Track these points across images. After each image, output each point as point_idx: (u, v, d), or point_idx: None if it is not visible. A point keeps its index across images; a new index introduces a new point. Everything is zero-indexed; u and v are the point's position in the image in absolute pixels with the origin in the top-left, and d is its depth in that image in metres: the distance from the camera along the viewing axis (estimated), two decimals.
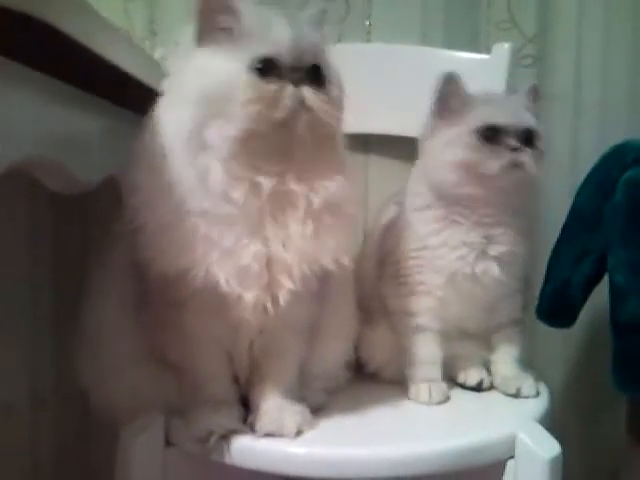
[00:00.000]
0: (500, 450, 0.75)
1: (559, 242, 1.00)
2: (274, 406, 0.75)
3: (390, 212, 0.98)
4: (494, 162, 0.84)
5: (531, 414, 0.81)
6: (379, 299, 0.94)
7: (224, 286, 0.68)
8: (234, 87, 0.67)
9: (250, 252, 0.69)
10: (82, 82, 0.72)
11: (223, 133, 0.67)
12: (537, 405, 0.85)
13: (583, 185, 0.99)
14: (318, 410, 0.79)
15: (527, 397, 0.87)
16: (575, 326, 1.00)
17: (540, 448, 0.73)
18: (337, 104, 0.72)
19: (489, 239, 0.87)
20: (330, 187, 0.72)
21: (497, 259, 0.87)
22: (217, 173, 0.68)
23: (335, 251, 0.72)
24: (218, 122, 0.67)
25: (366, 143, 1.20)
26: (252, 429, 0.74)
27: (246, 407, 0.78)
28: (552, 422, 0.83)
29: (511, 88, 1.06)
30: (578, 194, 0.99)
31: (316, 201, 0.70)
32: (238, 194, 0.68)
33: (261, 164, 0.69)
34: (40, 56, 0.59)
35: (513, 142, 0.84)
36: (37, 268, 1.07)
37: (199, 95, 0.68)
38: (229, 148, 0.67)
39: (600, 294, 0.97)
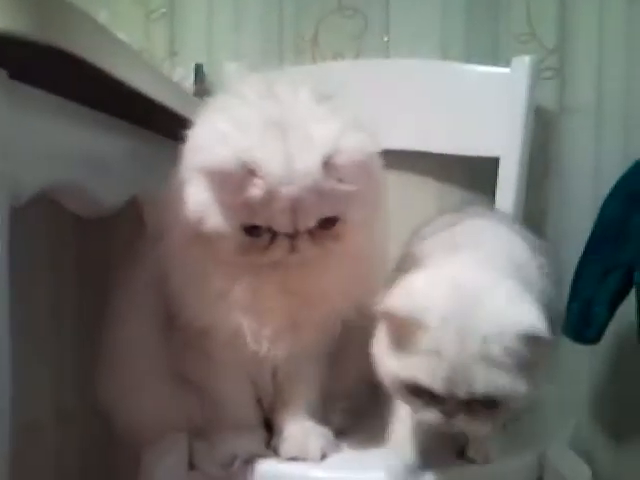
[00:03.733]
0: (528, 474, 0.74)
1: (584, 257, 0.99)
2: (298, 430, 0.75)
3: None
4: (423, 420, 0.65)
5: (560, 437, 0.80)
6: None
7: (248, 342, 0.70)
8: (225, 240, 0.66)
9: (271, 325, 0.70)
10: (104, 106, 0.72)
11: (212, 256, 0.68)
12: (566, 427, 0.84)
13: (609, 198, 0.98)
14: (342, 433, 0.78)
15: (472, 460, 0.73)
16: (602, 342, 0.99)
17: (570, 472, 0.72)
18: (353, 242, 0.69)
19: None
20: (333, 290, 0.71)
21: None
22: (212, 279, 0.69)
23: (357, 301, 0.72)
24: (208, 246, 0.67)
25: (385, 159, 1.19)
26: (276, 453, 0.74)
27: (269, 430, 0.77)
28: (580, 443, 0.81)
29: None
30: (603, 208, 0.98)
31: (318, 299, 0.71)
32: (240, 294, 0.69)
33: (259, 272, 0.69)
34: (62, 82, 0.59)
35: (449, 405, 0.62)
36: (60, 286, 1.08)
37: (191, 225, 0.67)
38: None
39: (627, 309, 0.95)
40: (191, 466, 0.77)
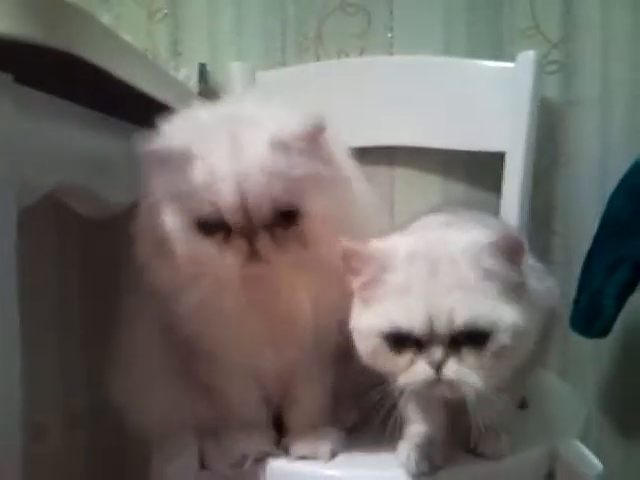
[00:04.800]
0: (539, 468, 0.74)
1: (592, 250, 0.99)
2: (308, 428, 0.75)
3: None
4: (406, 378, 0.61)
5: (571, 431, 0.79)
6: None
7: (235, 352, 0.70)
8: (177, 242, 0.64)
9: (252, 333, 0.69)
10: (108, 107, 0.72)
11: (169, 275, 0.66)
12: (576, 421, 0.83)
13: (616, 191, 0.97)
14: (352, 431, 0.78)
15: (483, 455, 0.72)
16: (610, 336, 0.98)
17: (581, 466, 0.72)
18: (319, 234, 0.64)
19: None
20: (306, 309, 0.68)
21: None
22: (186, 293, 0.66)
23: (336, 327, 0.68)
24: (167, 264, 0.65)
25: (391, 156, 1.20)
26: (286, 452, 0.74)
27: (279, 429, 0.77)
28: (590, 437, 0.81)
29: None
30: (611, 201, 0.98)
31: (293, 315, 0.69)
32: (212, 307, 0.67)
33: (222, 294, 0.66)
34: (66, 85, 0.59)
35: (433, 352, 0.59)
36: (67, 288, 1.08)
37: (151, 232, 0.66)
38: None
39: (635, 302, 0.95)
40: (202, 466, 0.77)
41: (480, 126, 1.10)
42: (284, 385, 0.77)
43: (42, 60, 0.49)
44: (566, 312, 0.98)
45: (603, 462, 0.73)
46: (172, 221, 0.63)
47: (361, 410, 0.81)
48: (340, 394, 0.79)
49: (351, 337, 0.65)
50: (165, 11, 1.20)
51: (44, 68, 0.52)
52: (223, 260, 0.62)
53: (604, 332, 0.97)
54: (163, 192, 0.64)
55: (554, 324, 0.79)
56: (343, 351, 0.76)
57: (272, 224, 0.62)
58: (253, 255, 0.62)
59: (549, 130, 1.17)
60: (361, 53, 1.19)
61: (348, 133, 0.72)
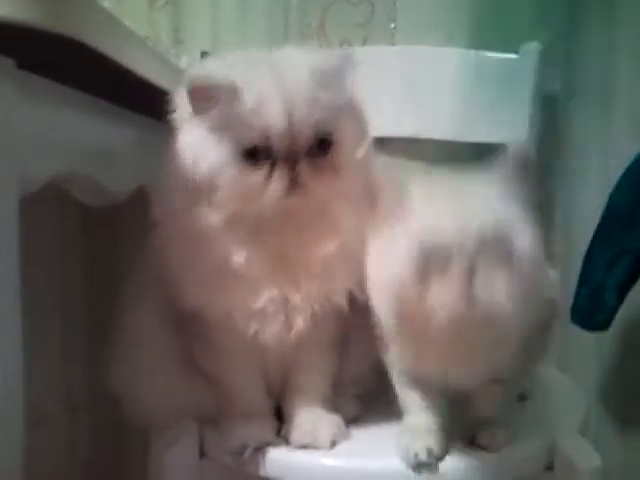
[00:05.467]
0: (539, 461, 0.74)
1: (593, 242, 0.98)
2: (308, 417, 0.75)
3: None
4: (439, 303, 0.60)
5: (570, 424, 0.79)
6: None
7: (241, 324, 0.70)
8: (221, 176, 0.66)
9: (264, 297, 0.69)
10: (110, 94, 0.72)
11: (207, 219, 0.67)
12: (576, 414, 0.83)
13: (619, 183, 0.97)
14: (352, 420, 0.78)
15: (482, 447, 0.72)
16: (610, 329, 0.98)
17: (580, 459, 0.72)
18: (348, 164, 0.68)
19: None
20: (333, 250, 0.69)
21: None
22: (212, 246, 0.68)
23: (345, 288, 0.71)
24: (205, 201, 0.67)
25: (393, 147, 1.19)
26: (286, 441, 0.74)
27: (280, 418, 0.77)
28: (589, 430, 0.81)
29: None
30: (613, 193, 0.97)
31: (317, 265, 0.69)
32: (237, 260, 0.67)
33: (259, 234, 0.68)
34: (68, 71, 0.59)
35: (462, 266, 0.59)
36: (69, 278, 1.08)
37: (190, 171, 0.67)
38: (218, 221, 0.67)
39: (636, 295, 0.95)
40: (202, 454, 0.77)
41: (483, 117, 1.10)
42: (285, 372, 0.77)
43: (45, 46, 0.49)
44: (567, 305, 0.98)
45: (602, 455, 0.73)
46: (217, 155, 0.66)
47: (361, 401, 0.81)
48: (340, 384, 0.79)
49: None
50: None
51: (47, 54, 0.52)
52: (267, 189, 0.65)
53: (605, 325, 0.97)
54: (210, 126, 0.66)
55: (553, 316, 0.79)
56: (342, 336, 0.76)
57: (311, 152, 0.66)
58: (294, 184, 0.65)
59: (552, 122, 1.17)
60: (364, 43, 1.19)
61: None
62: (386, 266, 0.65)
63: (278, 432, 0.75)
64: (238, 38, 1.19)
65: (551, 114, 1.16)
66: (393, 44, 1.19)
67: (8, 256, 0.50)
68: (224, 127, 0.66)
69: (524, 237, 0.62)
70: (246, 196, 0.66)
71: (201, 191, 0.66)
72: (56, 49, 0.50)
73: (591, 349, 1.18)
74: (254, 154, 0.65)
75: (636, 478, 1.20)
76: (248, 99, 0.65)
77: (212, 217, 0.67)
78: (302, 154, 0.66)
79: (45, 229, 1.00)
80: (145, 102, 0.77)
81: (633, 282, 0.95)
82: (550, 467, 0.74)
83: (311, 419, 0.75)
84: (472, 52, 1.13)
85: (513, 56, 1.10)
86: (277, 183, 0.65)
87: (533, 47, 1.08)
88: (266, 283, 0.69)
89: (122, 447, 1.16)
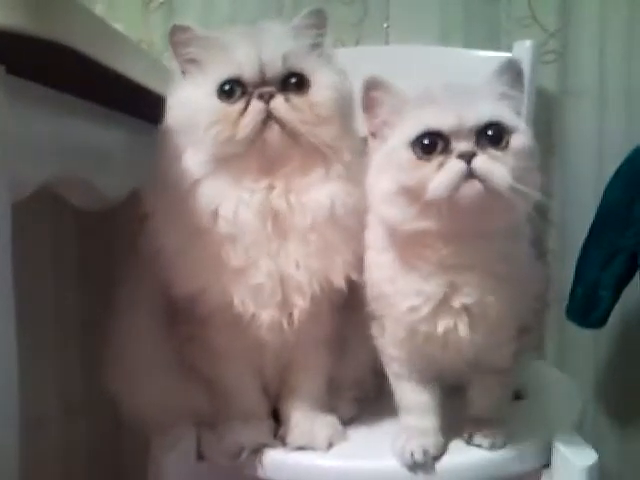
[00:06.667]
0: (536, 459, 0.74)
1: (588, 240, 0.99)
2: (304, 419, 0.75)
3: None
4: (438, 178, 0.61)
5: (567, 421, 0.80)
6: None
7: (239, 305, 0.69)
8: (200, 113, 0.69)
9: (261, 271, 0.69)
10: (102, 98, 0.72)
11: (195, 159, 0.69)
12: (573, 412, 0.83)
13: (612, 181, 0.97)
14: (349, 421, 0.78)
15: (479, 446, 0.72)
16: (607, 326, 0.99)
17: (577, 456, 0.72)
18: (328, 106, 0.70)
19: (454, 287, 0.66)
20: (323, 201, 0.69)
21: (464, 312, 0.66)
22: (203, 194, 0.69)
23: (343, 267, 0.71)
24: (191, 149, 0.69)
25: None
26: (283, 443, 0.74)
27: (277, 420, 0.77)
28: (586, 428, 0.81)
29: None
30: (607, 191, 0.97)
31: (308, 217, 0.69)
32: (225, 211, 0.68)
33: (245, 181, 0.69)
34: (60, 76, 0.59)
35: (462, 146, 0.61)
36: (64, 280, 1.08)
37: (177, 127, 0.70)
38: (205, 170, 0.69)
39: (632, 292, 0.95)
40: (199, 457, 0.77)
41: None
42: (281, 373, 0.77)
43: (35, 51, 0.49)
44: (562, 303, 0.98)
45: (599, 452, 0.73)
46: (197, 96, 0.70)
47: (358, 402, 0.81)
48: (337, 386, 0.79)
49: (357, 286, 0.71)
50: (160, 1, 1.19)
51: (38, 59, 0.52)
52: (243, 118, 0.67)
53: (600, 322, 0.97)
54: (188, 63, 0.71)
55: (542, 311, 0.79)
56: (338, 335, 0.76)
57: (287, 88, 0.69)
58: (270, 116, 0.67)
59: (546, 119, 1.17)
60: (357, 43, 1.19)
61: None
62: (389, 158, 0.65)
63: (275, 434, 0.75)
64: None
65: (545, 111, 1.16)
66: (387, 43, 1.19)
67: (2, 259, 0.50)
68: (202, 67, 0.71)
69: (519, 132, 0.63)
70: (223, 128, 0.68)
71: (188, 136, 0.69)
72: (47, 54, 0.50)
73: (587, 347, 1.18)
74: (230, 93, 0.69)
75: (632, 475, 1.20)
76: (224, 42, 0.70)
77: (196, 161, 0.69)
78: (275, 87, 0.68)
79: (39, 233, 1.00)
80: (138, 105, 0.77)
81: (628, 279, 0.95)
82: (547, 465, 0.74)
83: (308, 420, 0.75)
84: (465, 51, 1.14)
85: (507, 55, 1.10)
86: (252, 113, 0.67)
87: (526, 45, 1.08)
88: (263, 253, 0.68)
89: (120, 448, 1.16)
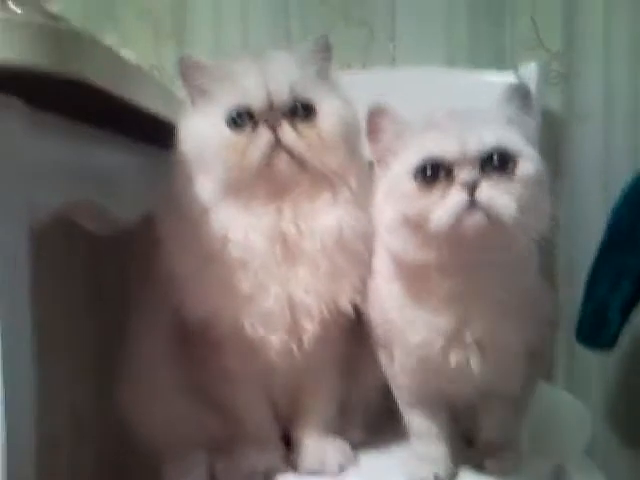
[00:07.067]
0: None
1: (596, 262, 0.99)
2: (315, 443, 0.75)
3: None
4: (440, 210, 0.59)
5: (577, 445, 0.79)
6: None
7: (249, 329, 0.70)
8: (209, 142, 0.70)
9: (271, 295, 0.69)
10: (115, 125, 0.73)
11: (206, 186, 0.70)
12: (583, 436, 0.83)
13: (619, 203, 0.97)
14: (359, 445, 0.78)
15: (489, 471, 0.71)
16: (615, 349, 0.98)
17: None
18: (334, 134, 0.71)
19: (463, 320, 0.64)
20: (331, 226, 0.70)
21: (475, 345, 0.65)
22: (214, 220, 0.70)
23: (350, 292, 0.72)
24: (202, 177, 0.71)
25: None
26: (295, 467, 0.74)
27: (288, 444, 0.78)
28: (595, 450, 0.81)
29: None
30: (613, 214, 0.98)
31: (317, 242, 0.70)
32: (235, 236, 0.69)
33: (254, 206, 0.70)
34: (75, 105, 0.60)
35: (466, 174, 0.59)
36: (77, 303, 1.08)
37: (188, 155, 0.72)
38: (216, 197, 0.70)
39: None
40: None
41: None
42: (292, 398, 0.77)
43: (52, 84, 0.50)
44: (571, 325, 0.98)
45: (609, 476, 0.73)
46: (206, 127, 0.71)
47: (368, 426, 0.81)
48: (348, 410, 0.79)
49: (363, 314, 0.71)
50: (172, 28, 1.21)
51: (54, 91, 0.53)
52: (251, 146, 0.69)
53: (609, 345, 0.97)
54: (197, 93, 0.73)
55: (554, 331, 0.78)
56: (347, 360, 0.76)
57: (294, 117, 0.70)
58: (278, 143, 0.69)
59: (551, 141, 1.17)
60: (364, 65, 1.20)
61: None
62: (392, 186, 0.64)
63: (287, 459, 0.76)
64: None
65: (551, 132, 1.16)
66: (393, 66, 1.20)
67: (19, 283, 0.51)
68: (211, 97, 0.72)
69: (527, 158, 0.62)
70: (233, 156, 0.69)
71: (199, 165, 0.71)
72: (63, 87, 0.51)
73: (596, 369, 1.18)
74: (239, 122, 0.70)
75: None
76: (229, 73, 0.72)
77: (207, 189, 0.70)
78: (283, 116, 0.70)
79: (53, 257, 1.00)
80: (150, 132, 0.78)
81: (636, 302, 0.95)
82: None
83: (319, 445, 0.75)
84: (471, 73, 1.14)
85: (512, 76, 1.10)
86: (260, 142, 0.69)
87: (532, 67, 1.09)
88: (272, 278, 0.69)
89: (130, 471, 1.15)
